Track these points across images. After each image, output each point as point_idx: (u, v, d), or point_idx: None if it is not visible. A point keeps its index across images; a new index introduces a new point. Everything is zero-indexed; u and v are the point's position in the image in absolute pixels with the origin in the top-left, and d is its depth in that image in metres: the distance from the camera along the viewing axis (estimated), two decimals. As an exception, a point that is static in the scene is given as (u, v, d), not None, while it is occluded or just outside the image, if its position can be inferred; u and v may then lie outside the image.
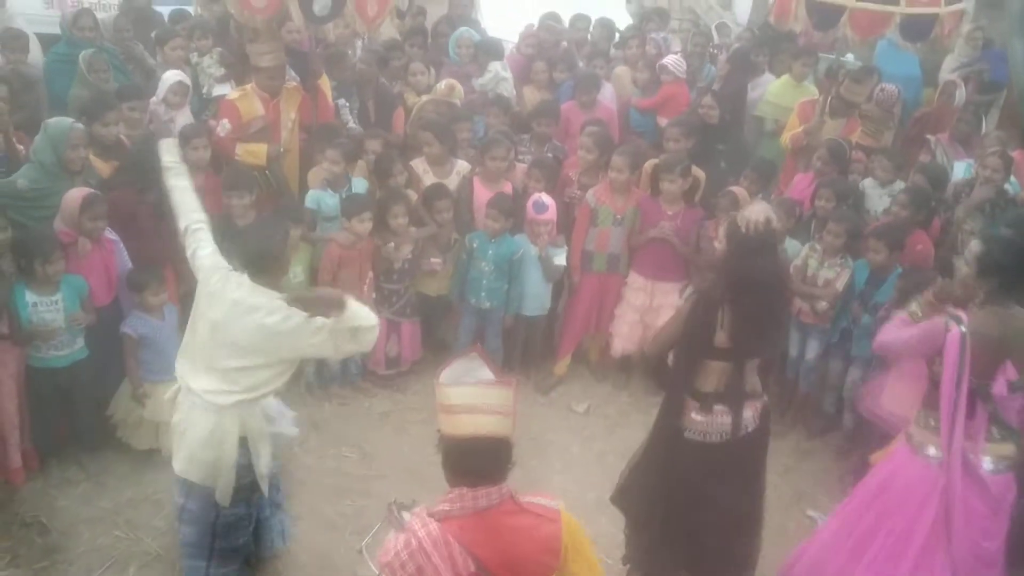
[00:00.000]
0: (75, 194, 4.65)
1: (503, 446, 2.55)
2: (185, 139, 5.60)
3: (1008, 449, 3.72)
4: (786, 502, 5.15)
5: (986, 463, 3.69)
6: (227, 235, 5.06)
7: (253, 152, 5.80)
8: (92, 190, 4.77)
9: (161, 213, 4.58)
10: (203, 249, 3.76)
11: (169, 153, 4.09)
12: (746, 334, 3.69)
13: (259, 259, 3.61)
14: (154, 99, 6.17)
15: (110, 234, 4.86)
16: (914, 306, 3.92)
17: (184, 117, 6.13)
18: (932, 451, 3.73)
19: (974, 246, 3.72)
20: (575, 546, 2.59)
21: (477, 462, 2.53)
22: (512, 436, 2.57)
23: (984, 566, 3.73)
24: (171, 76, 6.18)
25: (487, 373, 2.58)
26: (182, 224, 3.86)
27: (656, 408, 5.75)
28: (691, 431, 3.86)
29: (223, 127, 5.78)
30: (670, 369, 3.99)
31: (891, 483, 3.88)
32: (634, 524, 4.20)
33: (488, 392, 2.51)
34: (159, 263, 4.97)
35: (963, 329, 3.54)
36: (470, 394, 2.50)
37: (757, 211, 3.68)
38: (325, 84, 6.28)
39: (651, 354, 4.40)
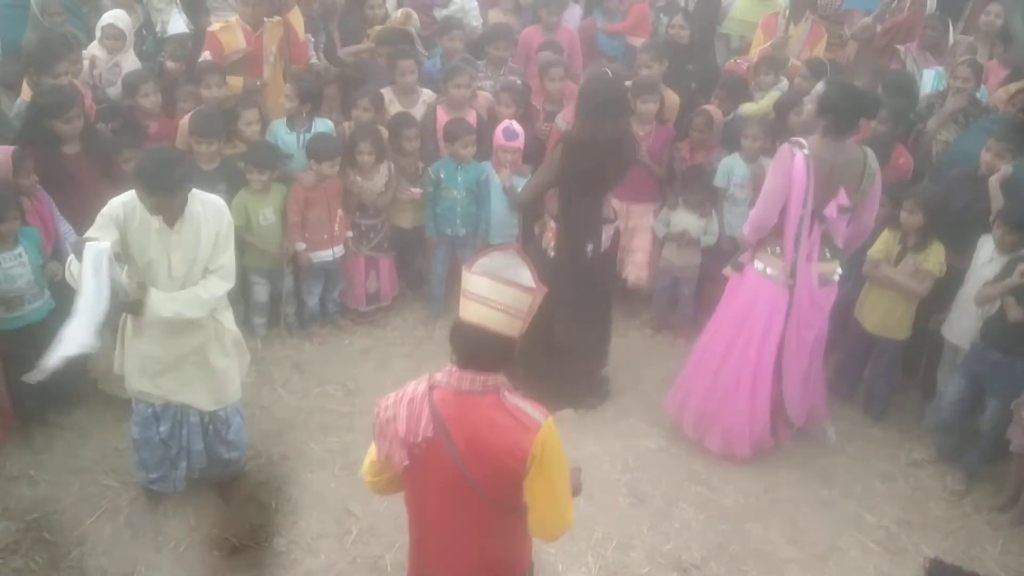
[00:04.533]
0: (2, 157, 4.42)
1: (503, 343, 2.58)
2: (132, 88, 5.46)
3: (834, 266, 4.55)
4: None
5: (817, 278, 4.49)
6: (194, 179, 4.99)
7: (231, 84, 5.67)
8: (13, 147, 4.54)
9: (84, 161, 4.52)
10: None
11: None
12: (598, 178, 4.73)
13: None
14: (93, 45, 5.94)
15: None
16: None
17: (130, 61, 5.92)
18: (771, 271, 4.48)
19: (817, 87, 4.56)
20: (544, 462, 2.55)
21: (468, 347, 2.58)
22: (517, 338, 2.59)
23: (805, 354, 4.65)
24: (104, 18, 5.94)
25: (522, 273, 2.60)
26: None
27: (631, 328, 5.96)
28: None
29: (204, 60, 5.66)
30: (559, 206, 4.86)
31: (743, 302, 4.63)
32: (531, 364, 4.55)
33: (505, 291, 2.53)
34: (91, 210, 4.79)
35: (806, 152, 4.21)
36: (487, 287, 2.55)
37: None
38: (297, 19, 6.10)
39: (526, 200, 5.05)
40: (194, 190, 3.82)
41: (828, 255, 4.52)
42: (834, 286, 4.63)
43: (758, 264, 4.55)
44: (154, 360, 3.98)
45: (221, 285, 3.89)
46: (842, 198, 4.34)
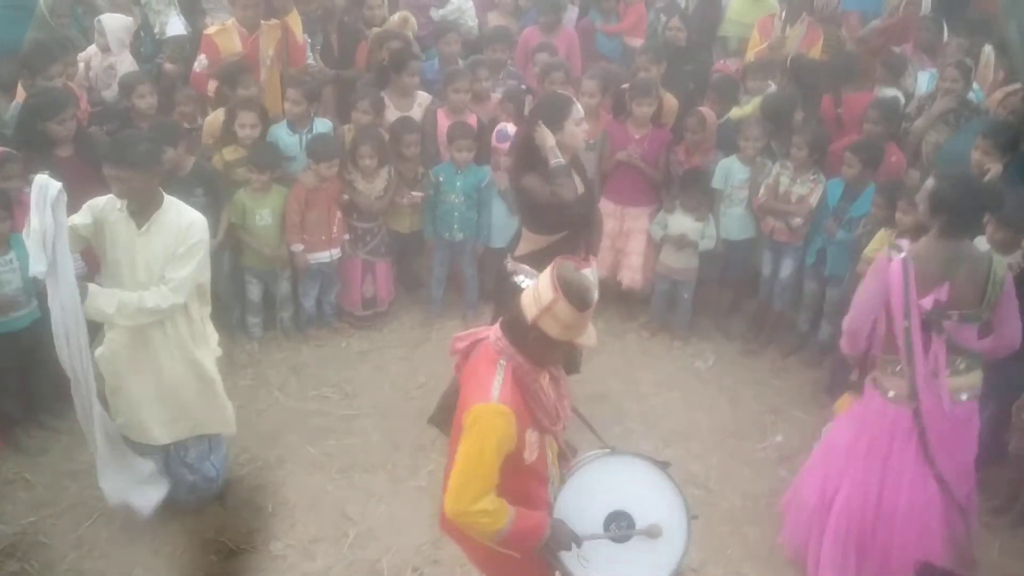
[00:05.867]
0: None
1: (519, 316, 2.82)
2: (128, 88, 5.44)
3: (971, 380, 3.81)
4: (758, 419, 5.28)
5: (949, 396, 3.74)
6: (170, 187, 4.96)
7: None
8: (4, 149, 4.56)
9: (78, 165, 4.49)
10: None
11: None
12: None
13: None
14: (90, 48, 5.96)
15: (28, 189, 4.64)
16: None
17: (126, 63, 5.92)
18: (892, 394, 3.80)
19: (928, 184, 3.78)
20: (467, 433, 2.73)
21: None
22: (528, 322, 2.80)
23: (963, 478, 3.89)
24: (100, 20, 6.00)
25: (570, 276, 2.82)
26: None
27: (628, 330, 5.95)
28: None
29: (199, 63, 5.65)
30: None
31: (859, 427, 3.95)
32: None
33: (544, 276, 2.80)
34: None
35: (903, 256, 3.65)
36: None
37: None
38: (295, 21, 6.10)
39: None
40: (178, 202, 3.79)
41: (962, 367, 3.80)
42: (975, 404, 3.86)
43: (877, 386, 3.90)
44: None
45: (167, 298, 3.72)
46: (940, 293, 3.69)
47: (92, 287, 3.67)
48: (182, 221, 3.76)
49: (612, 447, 3.12)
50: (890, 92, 6.03)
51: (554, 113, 4.19)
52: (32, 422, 4.78)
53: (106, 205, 3.76)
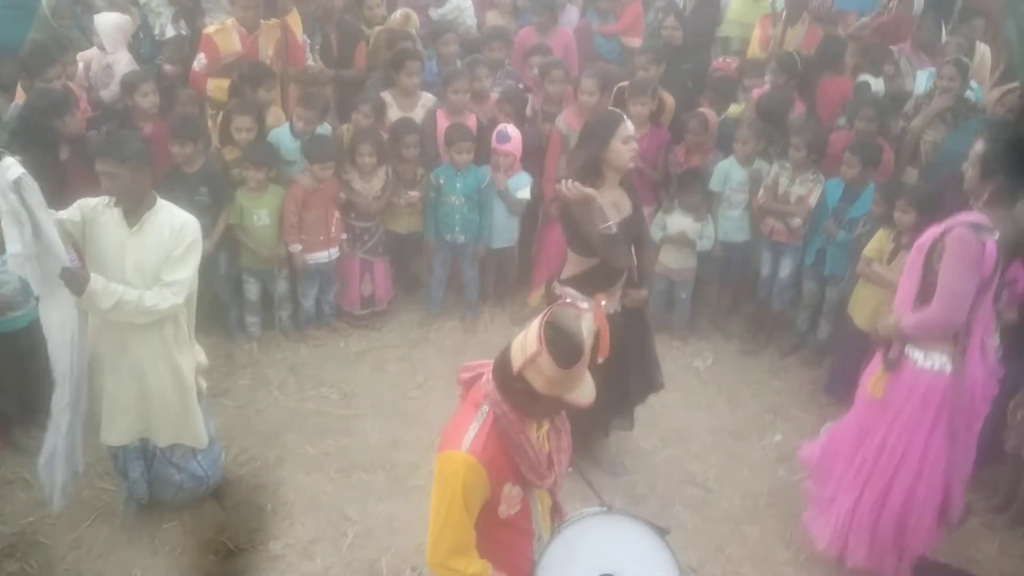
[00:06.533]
0: None
1: (505, 363, 2.59)
2: (131, 87, 5.44)
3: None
4: (756, 418, 5.28)
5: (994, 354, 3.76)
6: (176, 183, 4.99)
7: (222, 88, 5.66)
8: None
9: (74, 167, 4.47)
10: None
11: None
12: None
13: None
14: (92, 48, 5.97)
15: None
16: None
17: (124, 62, 5.92)
18: (931, 363, 3.72)
19: (977, 147, 3.62)
20: (436, 480, 2.60)
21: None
22: (514, 371, 2.55)
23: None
24: (98, 20, 6.01)
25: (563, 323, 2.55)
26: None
27: None
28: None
29: (198, 62, 5.65)
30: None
31: (902, 397, 3.84)
32: None
33: (532, 326, 2.57)
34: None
35: (996, 237, 3.49)
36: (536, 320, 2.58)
37: None
38: (295, 21, 6.09)
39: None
40: (170, 204, 3.77)
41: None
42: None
43: (918, 355, 3.77)
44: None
45: (168, 299, 3.67)
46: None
47: (95, 278, 3.60)
48: (175, 222, 3.73)
49: (610, 506, 2.92)
50: (867, 80, 6.06)
51: (600, 131, 4.02)
52: (31, 422, 4.76)
53: (97, 205, 3.73)
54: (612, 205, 4.06)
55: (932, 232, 3.71)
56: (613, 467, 4.74)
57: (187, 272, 3.73)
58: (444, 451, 2.59)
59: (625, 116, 4.11)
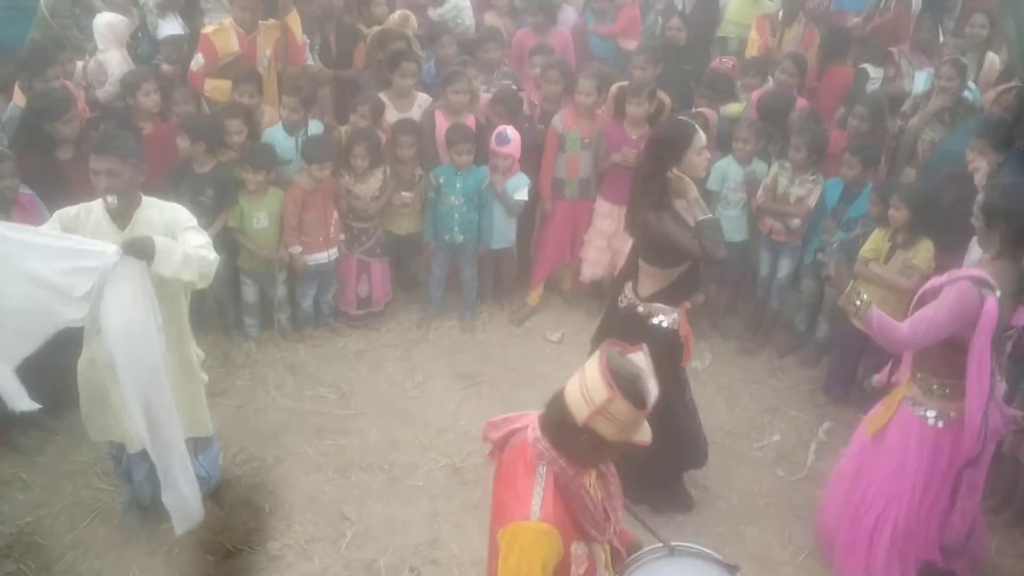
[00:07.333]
0: None
1: (564, 417, 2.43)
2: (131, 87, 5.43)
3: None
4: (755, 418, 5.28)
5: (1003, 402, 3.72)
6: (186, 182, 4.99)
7: (219, 88, 5.65)
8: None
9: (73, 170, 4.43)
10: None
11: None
12: None
13: None
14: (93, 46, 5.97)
15: (25, 190, 4.61)
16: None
17: (114, 60, 5.91)
18: (935, 418, 3.73)
19: (978, 198, 3.59)
20: (503, 556, 2.39)
21: (548, 403, 2.50)
22: (579, 424, 2.40)
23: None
24: (96, 20, 6.02)
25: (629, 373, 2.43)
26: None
27: None
28: None
29: (196, 61, 5.65)
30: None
31: (894, 445, 3.87)
32: None
33: (595, 372, 2.42)
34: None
35: (998, 295, 3.42)
36: (592, 364, 2.45)
37: None
38: (295, 22, 6.08)
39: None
40: (154, 199, 3.71)
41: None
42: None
43: (916, 408, 3.79)
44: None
45: (211, 251, 3.60)
46: (1019, 317, 3.62)
47: (159, 241, 3.42)
48: (164, 214, 3.68)
49: (672, 545, 2.80)
50: (867, 68, 6.09)
51: (676, 143, 3.93)
52: (29, 422, 4.75)
53: (79, 213, 3.64)
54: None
55: (935, 281, 3.70)
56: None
57: (203, 237, 3.65)
58: (512, 522, 2.39)
59: (698, 127, 4.03)
